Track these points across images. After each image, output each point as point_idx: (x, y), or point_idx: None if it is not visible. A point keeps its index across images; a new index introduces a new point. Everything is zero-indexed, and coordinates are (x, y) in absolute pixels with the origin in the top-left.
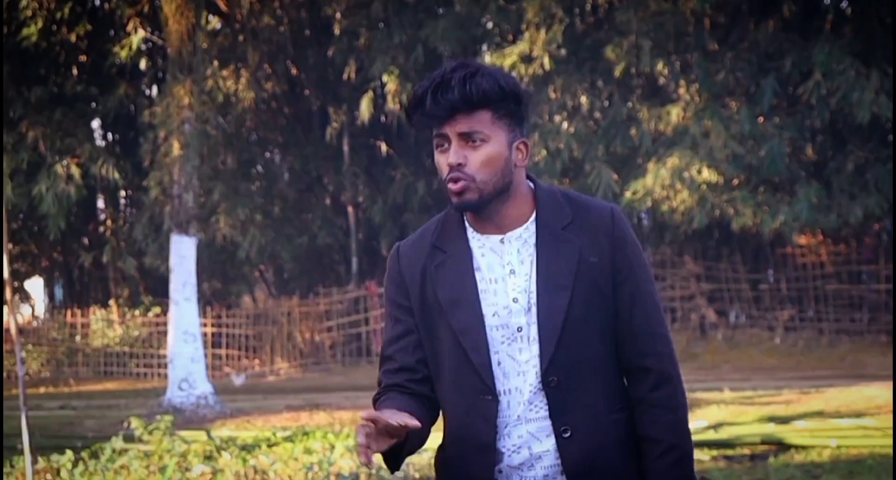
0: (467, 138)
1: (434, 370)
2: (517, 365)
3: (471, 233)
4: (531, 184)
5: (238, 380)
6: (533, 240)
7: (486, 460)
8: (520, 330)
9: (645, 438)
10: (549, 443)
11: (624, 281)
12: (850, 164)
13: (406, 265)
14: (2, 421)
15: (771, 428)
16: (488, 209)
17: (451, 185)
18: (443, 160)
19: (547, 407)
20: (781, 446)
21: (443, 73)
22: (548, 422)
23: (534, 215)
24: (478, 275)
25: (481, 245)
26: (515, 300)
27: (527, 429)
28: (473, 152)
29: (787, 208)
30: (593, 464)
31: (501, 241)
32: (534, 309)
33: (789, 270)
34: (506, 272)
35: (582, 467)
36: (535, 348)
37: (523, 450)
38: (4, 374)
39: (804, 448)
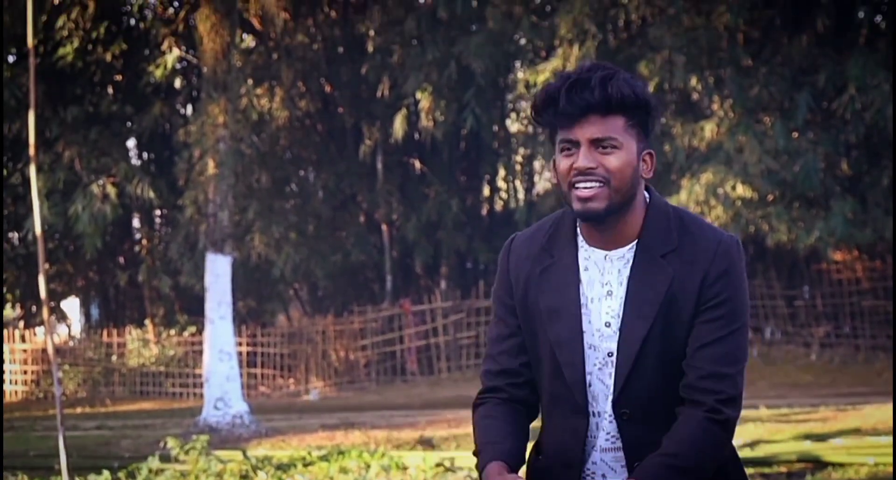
0: (598, 144)
1: (536, 375)
2: (606, 390)
3: (580, 241)
4: (647, 199)
5: (314, 395)
6: (632, 263)
7: (572, 477)
8: (610, 355)
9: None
10: (624, 475)
11: (703, 313)
12: (885, 179)
13: (514, 262)
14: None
15: (808, 446)
16: (607, 222)
17: (577, 191)
18: (566, 163)
19: (621, 439)
20: (818, 464)
21: (580, 72)
22: (622, 454)
23: (638, 237)
24: (581, 289)
25: (587, 256)
26: (608, 324)
27: (601, 457)
28: (605, 157)
29: (822, 223)
30: None
31: (605, 258)
32: (617, 336)
33: (825, 286)
34: (604, 292)
35: None
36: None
37: (598, 477)
38: (42, 395)
39: (841, 465)
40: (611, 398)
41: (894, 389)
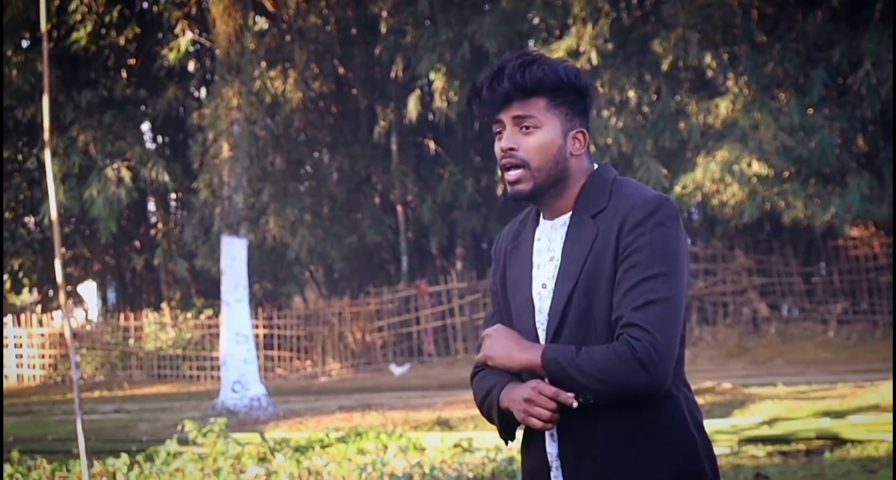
0: (520, 122)
1: None
2: None
3: (541, 217)
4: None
5: (398, 370)
6: (567, 227)
7: (540, 441)
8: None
9: None
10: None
11: (621, 263)
12: None
13: (500, 245)
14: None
15: (826, 423)
16: (543, 198)
17: (506, 174)
18: (497, 147)
19: None
20: (837, 441)
21: (501, 63)
22: None
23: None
24: (533, 259)
25: (542, 229)
26: (544, 286)
27: None
28: (526, 138)
29: (839, 200)
30: (582, 454)
31: (551, 227)
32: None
33: (842, 262)
34: (548, 258)
35: (573, 455)
36: None
37: (546, 435)
38: (60, 379)
39: (860, 442)
40: None
41: (894, 365)
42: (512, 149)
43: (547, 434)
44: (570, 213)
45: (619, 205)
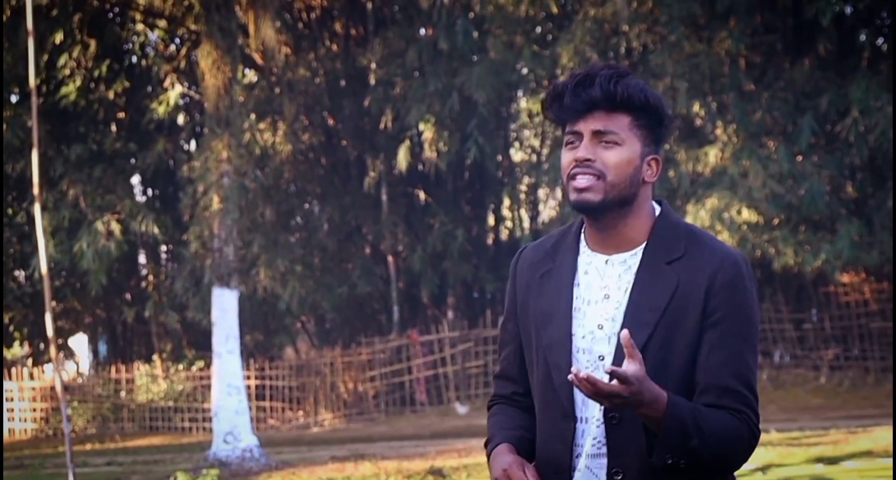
0: (600, 137)
1: (530, 382)
2: None
3: (583, 246)
4: (657, 210)
5: (462, 409)
6: (636, 269)
7: None
8: (601, 358)
9: None
10: None
11: (709, 327)
12: (890, 201)
13: (521, 269)
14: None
15: (820, 469)
16: (605, 219)
17: (574, 181)
18: (569, 156)
19: (606, 445)
20: None
21: (589, 70)
22: (606, 460)
23: (645, 243)
24: (575, 292)
25: (588, 262)
26: (600, 326)
27: (585, 463)
28: (605, 151)
29: (829, 246)
30: None
31: (606, 262)
32: (614, 340)
33: (833, 309)
34: (601, 295)
35: None
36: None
37: None
38: (51, 432)
39: None
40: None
41: (894, 411)
42: (589, 159)
43: None
44: (636, 253)
45: (703, 258)
